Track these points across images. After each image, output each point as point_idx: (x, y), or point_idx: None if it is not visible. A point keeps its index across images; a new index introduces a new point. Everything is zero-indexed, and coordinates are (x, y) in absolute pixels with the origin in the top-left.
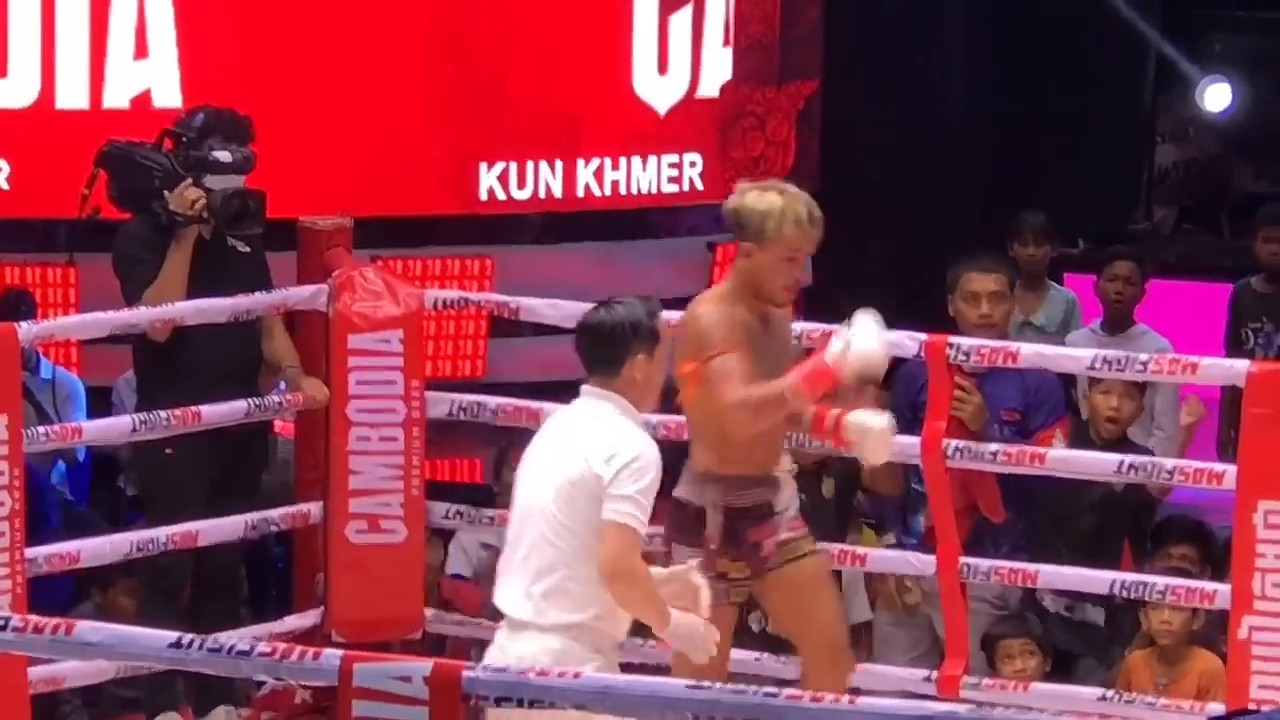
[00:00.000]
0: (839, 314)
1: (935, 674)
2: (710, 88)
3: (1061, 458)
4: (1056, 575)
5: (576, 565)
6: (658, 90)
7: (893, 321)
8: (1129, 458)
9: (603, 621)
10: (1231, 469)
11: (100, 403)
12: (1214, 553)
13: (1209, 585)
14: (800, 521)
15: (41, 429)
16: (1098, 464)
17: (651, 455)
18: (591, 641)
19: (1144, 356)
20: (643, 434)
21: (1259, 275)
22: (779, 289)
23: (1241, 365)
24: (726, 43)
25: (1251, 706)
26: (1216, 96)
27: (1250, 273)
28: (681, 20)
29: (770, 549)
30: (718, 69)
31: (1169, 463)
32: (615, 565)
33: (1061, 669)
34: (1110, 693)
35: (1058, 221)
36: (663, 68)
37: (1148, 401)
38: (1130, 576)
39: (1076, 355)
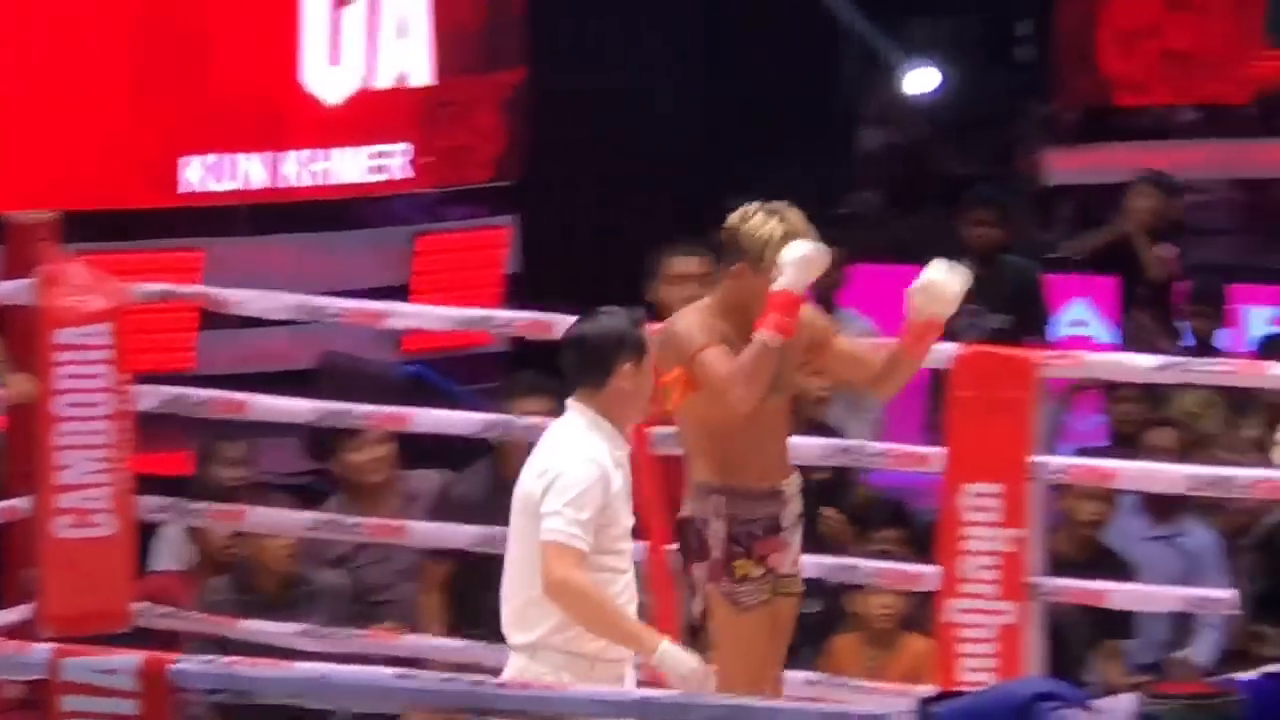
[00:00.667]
0: (547, 300)
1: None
2: (411, 78)
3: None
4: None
5: (527, 585)
6: (332, 81)
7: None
8: (838, 441)
9: (560, 638)
10: (938, 452)
11: None
12: (917, 535)
13: (915, 568)
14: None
15: None
16: (806, 448)
17: (585, 471)
18: (550, 661)
19: None
20: (591, 450)
21: (965, 257)
22: (761, 310)
23: (948, 348)
24: (432, 30)
25: (959, 688)
26: (921, 80)
27: (956, 255)
28: (355, 13)
29: (778, 564)
30: (404, 59)
31: (876, 446)
32: (549, 581)
33: None
34: (818, 676)
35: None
36: (334, 59)
37: None
38: (838, 560)
39: None
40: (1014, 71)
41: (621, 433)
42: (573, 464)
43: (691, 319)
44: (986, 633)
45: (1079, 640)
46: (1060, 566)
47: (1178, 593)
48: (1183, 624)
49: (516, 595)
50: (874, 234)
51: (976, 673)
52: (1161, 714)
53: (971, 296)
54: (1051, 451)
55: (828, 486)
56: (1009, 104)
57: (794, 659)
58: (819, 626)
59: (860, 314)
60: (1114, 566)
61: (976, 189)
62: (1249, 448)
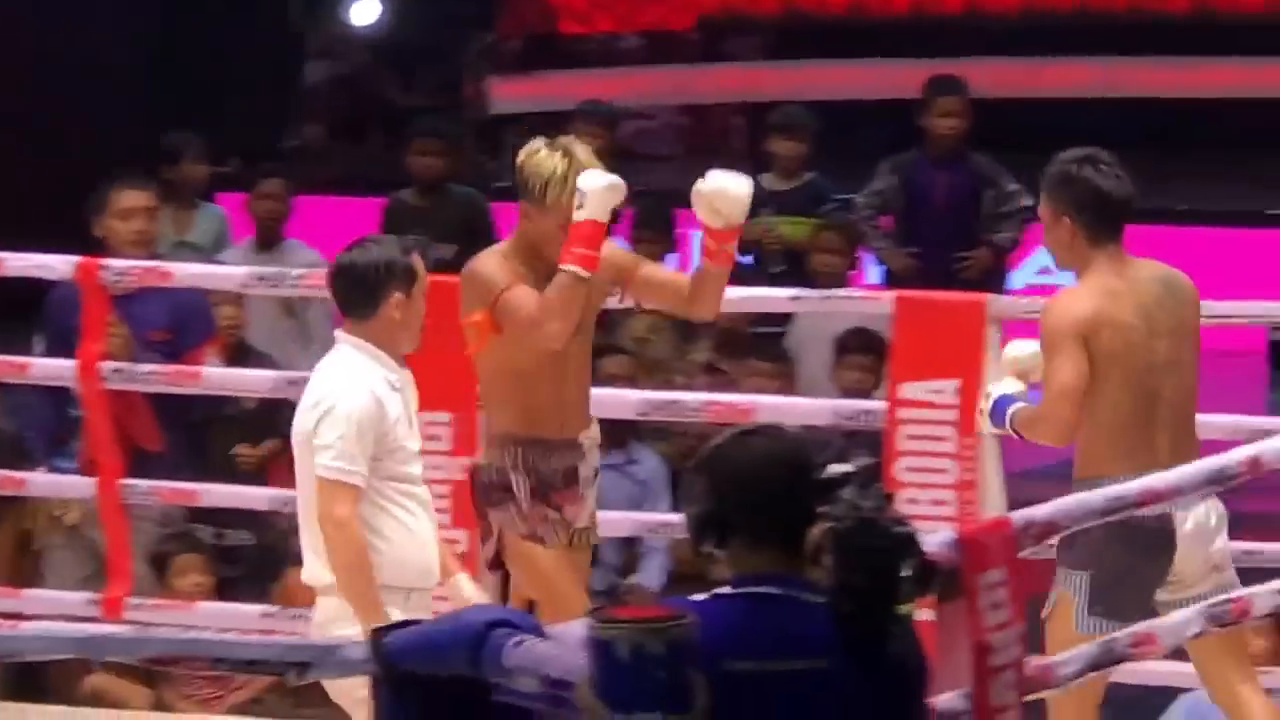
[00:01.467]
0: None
1: (100, 596)
2: None
3: (218, 376)
4: (216, 494)
5: (313, 520)
6: None
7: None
8: (286, 374)
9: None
10: None
11: None
12: None
13: None
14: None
15: None
16: (253, 381)
17: (357, 402)
18: None
19: (297, 272)
20: (364, 379)
21: (411, 188)
22: (555, 253)
23: None
24: None
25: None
26: (363, 11)
27: (403, 186)
28: None
29: (575, 517)
30: None
31: None
32: (323, 515)
33: (220, 593)
34: (275, 609)
35: (210, 141)
36: None
37: (302, 316)
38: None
39: (230, 273)
40: (458, 1)
41: (395, 359)
42: (344, 396)
43: (490, 262)
44: None
45: None
46: None
47: (630, 518)
48: (634, 550)
49: (310, 532)
50: (320, 166)
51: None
52: (612, 638)
53: (417, 227)
54: None
55: (268, 419)
56: (453, 34)
57: (241, 593)
58: (263, 559)
59: (307, 245)
60: None
61: (421, 119)
62: (698, 371)
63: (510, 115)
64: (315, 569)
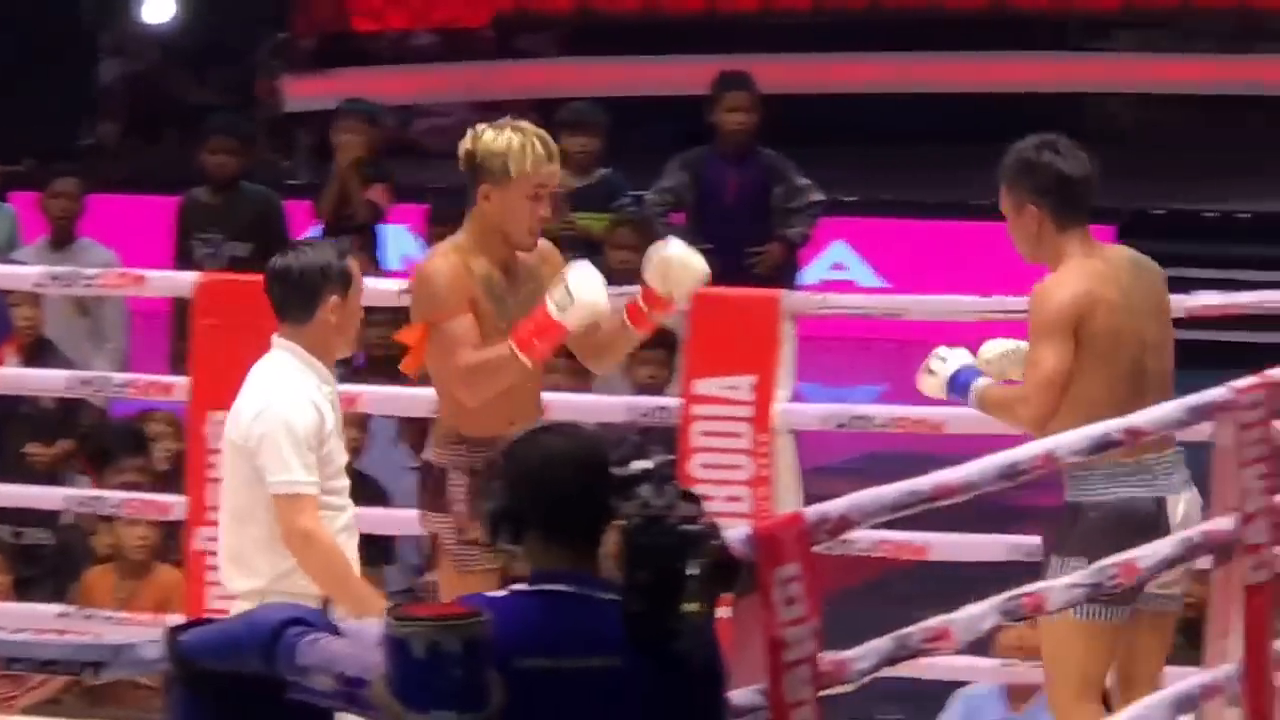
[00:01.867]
0: None
1: None
2: None
3: (13, 376)
4: (11, 493)
5: (244, 528)
6: None
7: None
8: (80, 373)
9: (289, 582)
10: (182, 381)
11: None
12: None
13: (164, 498)
14: None
15: None
16: (47, 381)
17: (303, 413)
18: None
19: (92, 271)
20: (305, 389)
21: (204, 186)
22: (524, 231)
23: (188, 277)
24: None
25: (207, 616)
26: (156, 9)
27: (196, 184)
28: None
29: None
30: None
31: (119, 377)
32: (289, 532)
33: (18, 593)
34: (71, 609)
35: (2, 140)
36: None
37: (96, 315)
38: (87, 492)
39: (23, 272)
40: (251, 0)
41: (329, 367)
42: (291, 407)
43: (441, 270)
44: None
45: None
46: None
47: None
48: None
49: (234, 538)
50: (113, 165)
51: (223, 600)
52: (408, 636)
53: (211, 225)
54: None
55: (63, 419)
56: (246, 32)
57: (37, 592)
58: (57, 558)
59: (100, 244)
60: (370, 494)
61: (214, 118)
62: None
63: (304, 113)
64: (231, 576)
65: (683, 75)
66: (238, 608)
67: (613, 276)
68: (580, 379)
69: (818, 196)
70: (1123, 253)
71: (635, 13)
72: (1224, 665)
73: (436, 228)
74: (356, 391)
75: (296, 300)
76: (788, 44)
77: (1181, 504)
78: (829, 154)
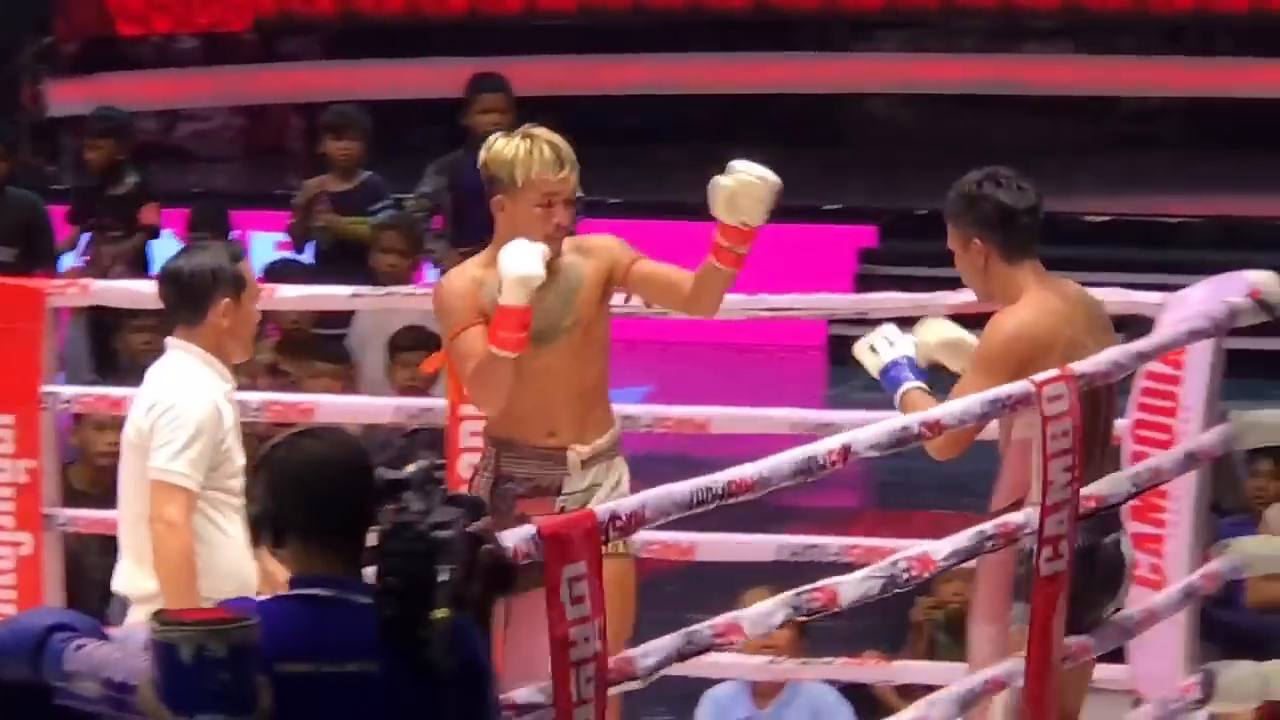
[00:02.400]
0: None
1: None
2: None
3: None
4: None
5: (142, 530)
6: None
7: None
8: None
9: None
10: None
11: None
12: None
13: None
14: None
15: None
16: None
17: (196, 407)
18: None
19: None
20: (202, 385)
21: None
22: (540, 236)
23: None
24: None
25: None
26: None
27: None
28: None
29: None
30: None
31: None
32: (155, 517)
33: None
34: None
35: None
36: None
37: None
38: None
39: None
40: (13, 3)
41: (226, 367)
42: (183, 399)
43: (453, 286)
44: (4, 564)
45: (95, 570)
46: (76, 498)
47: None
48: None
49: (135, 540)
50: None
51: None
52: (174, 641)
53: None
54: (74, 380)
55: None
56: (9, 36)
57: None
58: None
59: None
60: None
61: None
62: (260, 372)
63: (68, 118)
64: (133, 577)
65: (449, 77)
66: (140, 611)
67: (380, 279)
68: (348, 383)
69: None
70: (1075, 287)
71: (398, 15)
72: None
73: (198, 234)
74: (313, 401)
75: (187, 302)
76: (552, 46)
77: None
78: (595, 155)
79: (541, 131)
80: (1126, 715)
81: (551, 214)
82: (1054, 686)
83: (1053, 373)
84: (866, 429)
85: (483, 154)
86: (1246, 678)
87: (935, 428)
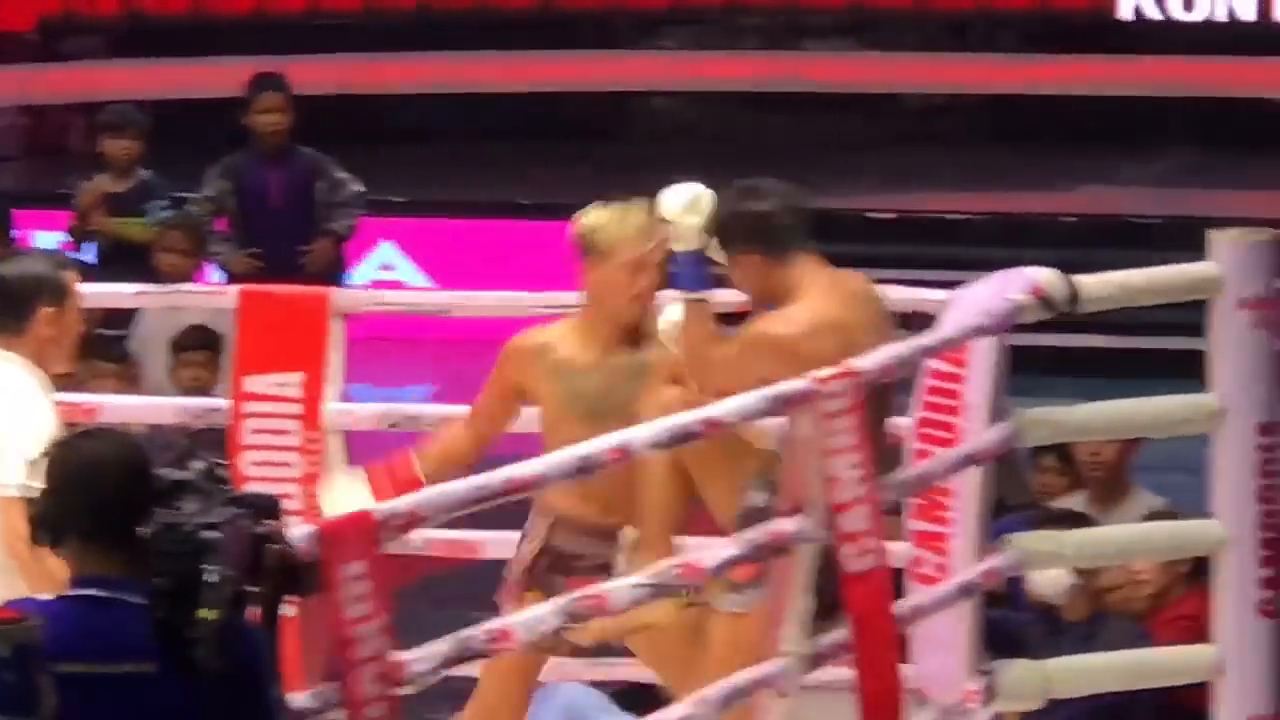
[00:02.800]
0: None
1: None
2: None
3: None
4: None
5: None
6: None
7: None
8: None
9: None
10: None
11: None
12: None
13: None
14: None
15: None
16: None
17: (36, 416)
18: None
19: None
20: (35, 394)
21: None
22: (623, 300)
23: None
24: None
25: None
26: None
27: None
28: None
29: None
30: None
31: None
32: (9, 535)
33: None
34: None
35: None
36: None
37: None
38: None
39: None
40: None
41: (48, 376)
42: (22, 409)
43: (510, 342)
44: None
45: None
46: None
47: None
48: None
49: None
50: None
51: None
52: None
53: None
54: None
55: None
56: None
57: None
58: None
59: None
60: None
61: None
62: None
63: None
64: None
65: (235, 77)
66: None
67: (163, 279)
68: (131, 383)
69: (358, 188)
70: (857, 283)
71: (183, 15)
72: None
73: None
74: (97, 401)
75: (8, 310)
76: (338, 44)
77: None
78: (381, 154)
79: (637, 203)
80: (910, 715)
81: (640, 276)
82: (896, 690)
83: (832, 370)
84: (645, 426)
85: (573, 227)
86: (1029, 676)
87: (714, 426)
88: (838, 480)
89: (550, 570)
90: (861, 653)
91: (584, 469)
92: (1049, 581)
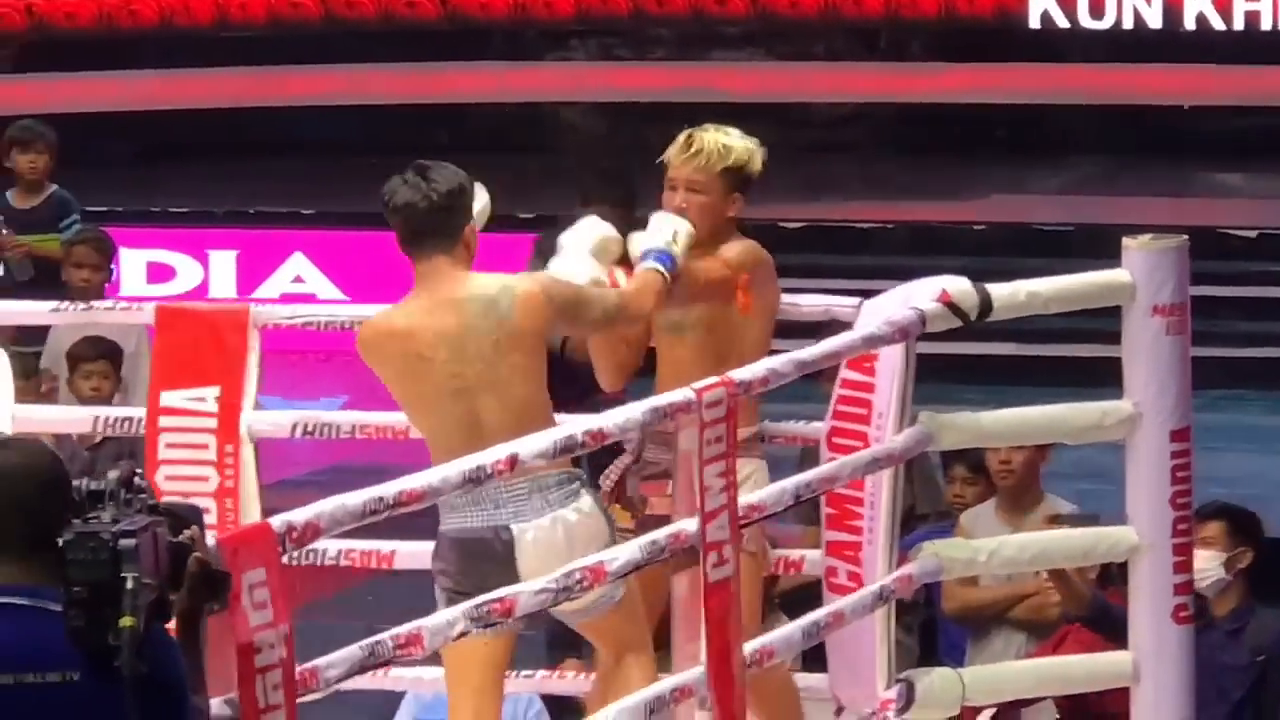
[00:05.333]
0: None
1: None
2: None
3: None
4: None
5: None
6: None
7: None
8: None
9: None
10: None
11: None
12: None
13: None
14: None
15: None
16: None
17: None
18: None
19: None
20: None
21: None
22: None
23: None
24: None
25: None
26: None
27: None
28: None
29: (656, 507)
30: None
31: None
32: None
33: None
34: None
35: None
36: None
37: None
38: None
39: None
40: None
41: None
42: None
43: None
44: None
45: None
46: None
47: None
48: None
49: None
50: None
51: None
52: None
53: None
54: None
55: None
56: None
57: None
58: None
59: None
60: None
61: None
62: None
63: None
64: None
65: (142, 90)
66: None
67: (74, 294)
68: (45, 396)
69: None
70: (459, 292)
71: (89, 29)
72: (694, 668)
73: None
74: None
75: None
76: (244, 57)
77: (531, 531)
78: (283, 167)
79: (710, 127)
80: None
81: (672, 196)
82: (742, 694)
83: (711, 380)
84: (533, 437)
85: None
86: (946, 684)
87: (598, 437)
88: (707, 489)
89: (634, 475)
90: (716, 665)
91: (474, 479)
92: (1200, 573)
